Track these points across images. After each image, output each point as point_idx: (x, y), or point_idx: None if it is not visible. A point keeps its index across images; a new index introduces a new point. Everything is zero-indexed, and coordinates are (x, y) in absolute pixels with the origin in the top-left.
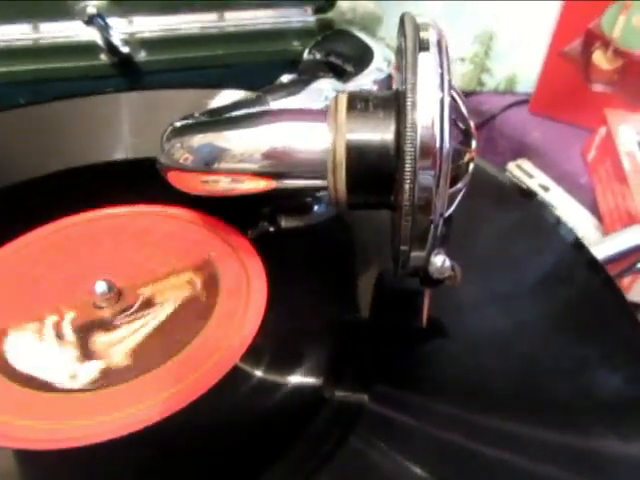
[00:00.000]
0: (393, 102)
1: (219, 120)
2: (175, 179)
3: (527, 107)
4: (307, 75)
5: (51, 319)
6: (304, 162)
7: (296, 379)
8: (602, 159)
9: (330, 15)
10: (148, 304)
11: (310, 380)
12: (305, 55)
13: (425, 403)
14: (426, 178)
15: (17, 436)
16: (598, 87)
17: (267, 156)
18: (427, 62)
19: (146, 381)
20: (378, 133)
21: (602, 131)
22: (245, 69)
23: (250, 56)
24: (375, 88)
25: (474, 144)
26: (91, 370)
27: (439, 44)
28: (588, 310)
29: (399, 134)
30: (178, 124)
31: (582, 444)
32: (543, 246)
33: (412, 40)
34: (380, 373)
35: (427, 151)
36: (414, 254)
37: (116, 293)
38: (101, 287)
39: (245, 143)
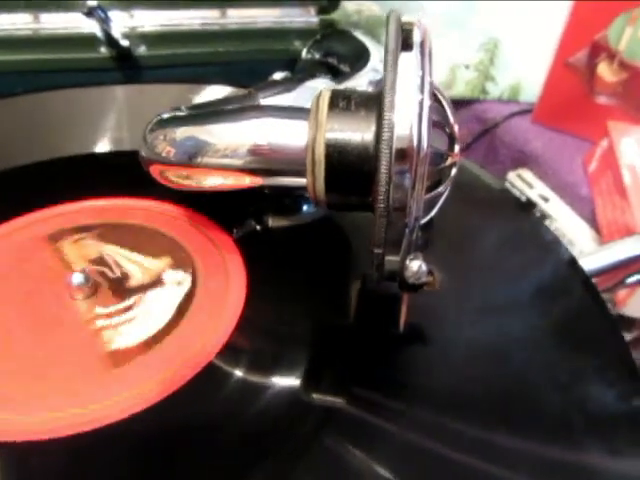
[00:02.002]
0: (376, 101)
1: (203, 113)
2: (157, 173)
3: (530, 116)
4: (304, 74)
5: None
6: (286, 159)
7: (271, 379)
8: (603, 171)
9: (335, 16)
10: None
11: (285, 380)
12: (304, 54)
13: (398, 407)
14: (401, 180)
15: None
16: (602, 99)
17: (250, 152)
18: (408, 62)
19: (119, 375)
20: (358, 132)
21: (604, 143)
22: (245, 67)
23: (251, 54)
24: (370, 89)
25: (457, 148)
26: None
27: (422, 45)
28: (573, 323)
29: (379, 134)
30: (161, 116)
31: (558, 455)
32: (534, 259)
33: (394, 39)
34: (356, 375)
35: (403, 153)
36: (389, 258)
37: (93, 285)
38: (78, 278)
39: (228, 137)
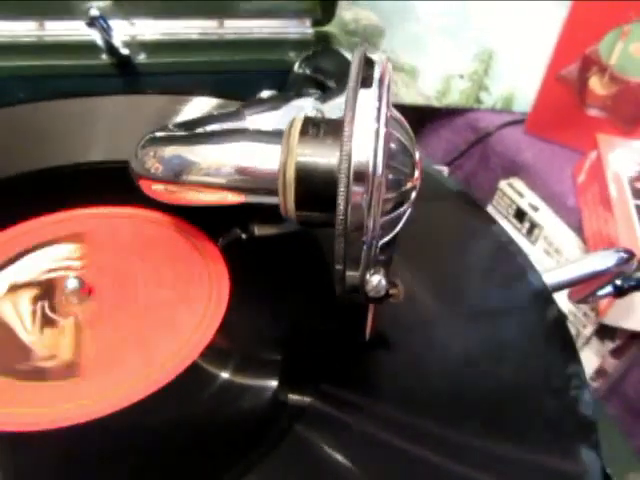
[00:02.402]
0: (342, 129)
1: (190, 135)
2: (145, 186)
3: (522, 127)
4: (294, 88)
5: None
6: (261, 180)
7: (249, 378)
8: (591, 183)
9: (331, 27)
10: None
11: (262, 379)
12: (295, 68)
13: (363, 403)
14: (358, 203)
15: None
16: (593, 111)
17: (230, 172)
18: (366, 98)
19: (112, 373)
20: (325, 158)
21: (592, 155)
22: (241, 77)
23: (246, 64)
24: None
25: (417, 173)
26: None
27: (381, 80)
28: (528, 333)
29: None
30: (153, 134)
31: (505, 452)
32: (499, 270)
33: (355, 77)
34: (326, 375)
35: (360, 177)
36: (350, 273)
37: (86, 289)
38: (72, 284)
39: (211, 158)
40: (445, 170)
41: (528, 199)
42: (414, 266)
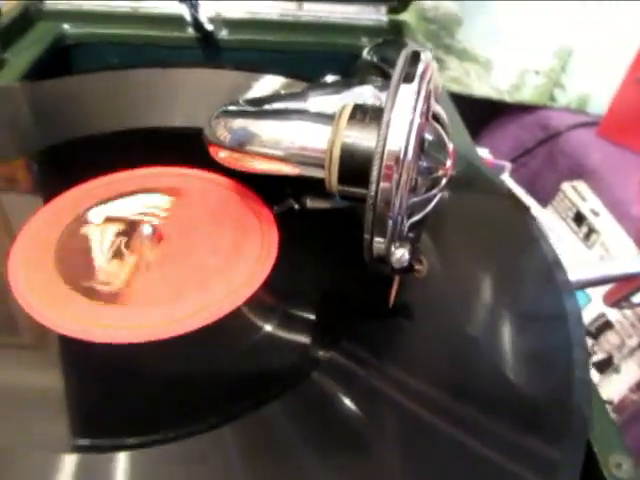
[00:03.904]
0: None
1: (257, 111)
2: (214, 152)
3: (594, 129)
4: (359, 74)
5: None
6: (311, 156)
7: (282, 328)
8: None
9: (411, 12)
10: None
11: (292, 331)
12: (364, 54)
13: (377, 363)
14: (388, 181)
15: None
16: None
17: (286, 146)
18: (406, 91)
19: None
20: (366, 140)
21: None
22: (313, 57)
23: (320, 46)
24: None
25: (449, 163)
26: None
27: (422, 77)
28: (548, 329)
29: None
30: (226, 107)
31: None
32: (523, 257)
33: (399, 71)
34: (346, 334)
35: (391, 160)
36: (377, 244)
37: (157, 236)
38: (146, 229)
39: (271, 132)
40: (507, 166)
41: (590, 203)
42: (443, 247)
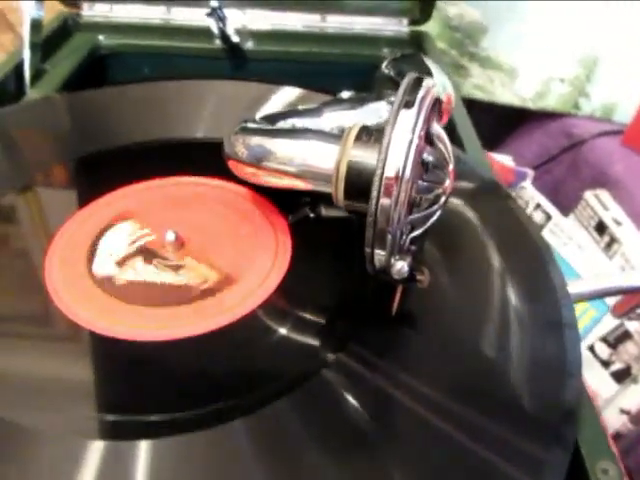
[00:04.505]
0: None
1: (273, 129)
2: (233, 166)
3: (619, 138)
4: (377, 86)
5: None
6: (320, 172)
7: (294, 330)
8: None
9: (435, 21)
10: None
11: (304, 332)
12: (383, 66)
13: (380, 364)
14: (387, 198)
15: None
16: None
17: (298, 163)
18: (407, 116)
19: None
20: (370, 160)
21: None
22: (335, 68)
23: (342, 57)
24: None
25: (447, 182)
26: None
27: (422, 103)
28: (542, 331)
29: None
30: (245, 124)
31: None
32: (524, 266)
33: (400, 97)
34: (353, 337)
35: (390, 179)
36: (378, 257)
37: (179, 241)
38: (170, 236)
39: (285, 150)
40: (530, 174)
41: (612, 213)
42: (446, 258)
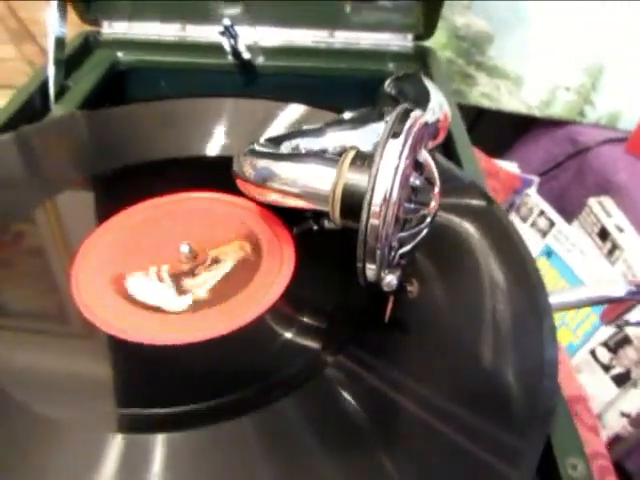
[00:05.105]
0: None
1: (278, 153)
2: (241, 185)
3: (623, 145)
4: (378, 104)
5: (153, 269)
6: (319, 193)
7: (297, 334)
8: None
9: (443, 30)
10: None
11: (307, 336)
12: (385, 85)
13: (378, 365)
14: (375, 218)
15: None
16: None
17: (300, 184)
18: (395, 144)
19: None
20: (363, 183)
21: None
22: (344, 82)
23: (349, 71)
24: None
25: (433, 204)
26: (184, 301)
27: (409, 132)
28: (522, 335)
29: None
30: (252, 147)
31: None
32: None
33: (388, 128)
34: (352, 341)
35: (378, 201)
36: (370, 270)
37: (193, 253)
38: (184, 248)
39: (288, 173)
40: (535, 180)
41: (615, 220)
42: (438, 270)
